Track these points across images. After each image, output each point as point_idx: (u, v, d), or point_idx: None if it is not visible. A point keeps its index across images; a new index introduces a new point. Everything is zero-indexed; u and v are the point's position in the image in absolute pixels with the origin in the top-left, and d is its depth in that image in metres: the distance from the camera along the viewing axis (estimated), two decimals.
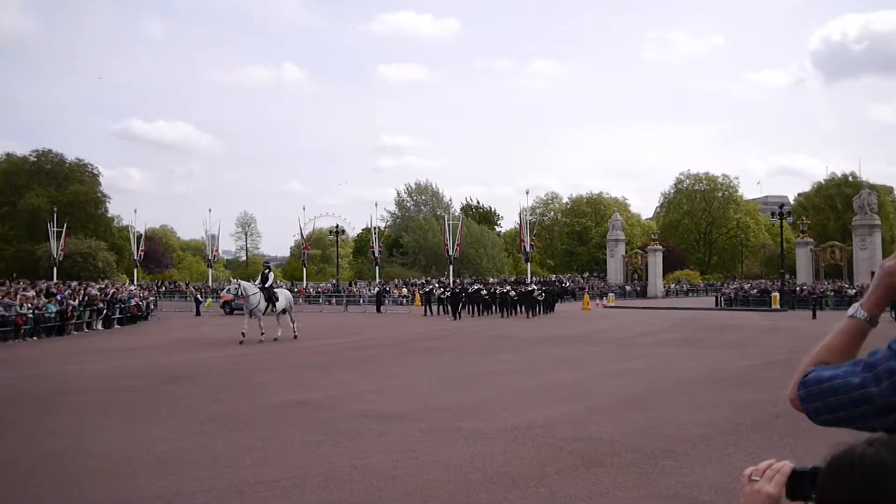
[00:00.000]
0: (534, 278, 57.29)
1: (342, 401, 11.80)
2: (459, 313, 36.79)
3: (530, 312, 37.43)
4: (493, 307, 39.63)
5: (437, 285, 46.24)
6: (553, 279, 67.61)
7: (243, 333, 22.73)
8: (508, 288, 41.29)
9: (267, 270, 25.60)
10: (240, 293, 24.28)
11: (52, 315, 27.43)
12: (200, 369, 16.50)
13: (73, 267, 65.06)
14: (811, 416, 1.75)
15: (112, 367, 17.14)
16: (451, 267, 59.64)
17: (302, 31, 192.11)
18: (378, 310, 43.95)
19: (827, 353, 1.81)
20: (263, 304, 23.90)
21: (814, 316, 34.90)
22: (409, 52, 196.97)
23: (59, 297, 28.95)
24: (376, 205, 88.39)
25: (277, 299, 24.47)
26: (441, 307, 40.04)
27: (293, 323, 24.88)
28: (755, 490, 1.44)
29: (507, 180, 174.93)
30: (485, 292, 40.79)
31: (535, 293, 39.36)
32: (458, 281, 53.09)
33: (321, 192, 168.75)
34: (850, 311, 1.86)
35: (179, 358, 18.94)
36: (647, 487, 6.82)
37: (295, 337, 24.11)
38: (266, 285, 24.49)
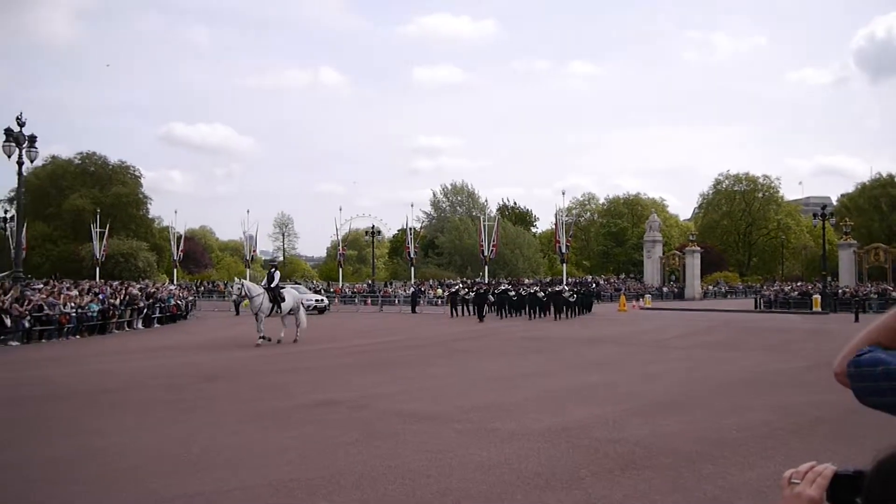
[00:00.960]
0: (568, 279, 56.97)
1: (376, 400, 11.85)
2: (484, 315, 35.74)
3: (559, 315, 36.31)
4: (523, 309, 38.18)
5: (461, 286, 45.32)
6: (589, 280, 67.17)
7: (261, 335, 22.28)
8: (537, 289, 40.19)
9: (273, 270, 24.64)
10: (243, 293, 23.66)
11: (95, 314, 27.99)
12: (237, 368, 16.71)
13: (115, 267, 66.37)
14: (859, 395, 1.73)
15: (152, 365, 17.44)
16: (486, 268, 59.58)
17: (339, 35, 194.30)
18: (413, 310, 44.08)
19: (883, 333, 1.77)
20: (268, 304, 23.01)
21: (856, 319, 34.16)
22: (445, 54, 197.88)
23: (101, 297, 29.52)
24: (412, 205, 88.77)
25: (284, 300, 23.50)
26: (466, 308, 39.15)
27: (297, 326, 23.73)
28: (796, 493, 1.41)
29: (544, 181, 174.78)
30: (513, 293, 39.69)
31: (566, 294, 38.34)
32: (481, 281, 52.12)
33: (357, 193, 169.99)
34: None
35: (217, 357, 19.19)
36: (683, 491, 6.73)
37: (295, 341, 22.98)
38: (272, 285, 23.55)
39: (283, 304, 23.39)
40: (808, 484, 1.40)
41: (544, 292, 38.75)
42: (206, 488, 6.90)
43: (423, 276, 69.33)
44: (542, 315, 36.73)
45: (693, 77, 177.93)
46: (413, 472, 7.43)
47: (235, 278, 24.77)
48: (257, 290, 23.28)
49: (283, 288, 24.76)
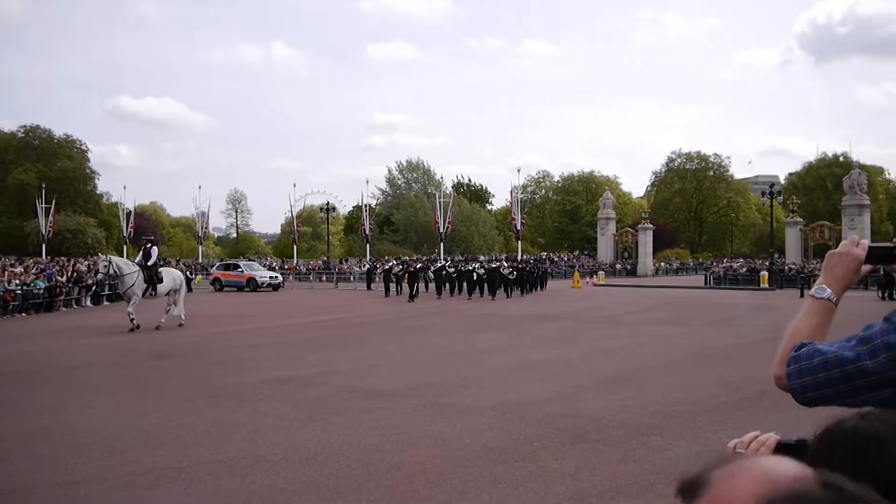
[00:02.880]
0: (524, 256, 57.34)
1: (330, 377, 11.82)
2: (415, 294, 32.84)
3: (495, 293, 33.30)
4: (464, 286, 34.82)
5: (395, 263, 40.70)
6: (543, 257, 67.70)
7: (132, 319, 19.63)
8: (476, 265, 37.04)
9: (149, 245, 21.65)
10: (111, 271, 20.68)
11: (41, 291, 27.29)
12: (189, 346, 16.48)
13: (63, 243, 64.68)
14: (797, 393, 1.72)
15: (100, 343, 17.11)
16: (441, 244, 59.59)
17: (292, 9, 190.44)
18: (368, 287, 43.90)
19: (809, 333, 1.78)
20: (142, 285, 20.32)
21: (801, 295, 35.05)
22: (400, 30, 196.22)
23: (47, 273, 28.77)
24: (367, 182, 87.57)
25: (161, 280, 20.86)
26: (399, 287, 36.03)
27: (178, 308, 21.30)
28: None
29: (499, 159, 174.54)
30: (452, 270, 36.73)
31: (505, 271, 35.42)
32: (414, 258, 48.32)
33: (312, 169, 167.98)
34: (819, 292, 1.84)
35: (168, 334, 18.89)
36: (633, 463, 6.86)
37: (180, 325, 20.72)
38: (148, 263, 20.85)
39: (159, 286, 20.83)
40: (751, 454, 1.42)
41: (484, 269, 35.77)
42: (158, 465, 6.81)
43: (379, 253, 69.13)
44: (482, 293, 33.84)
45: (644, 57, 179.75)
46: (367, 447, 7.43)
47: (101, 255, 22.18)
48: (129, 269, 20.66)
49: (164, 266, 22.70)
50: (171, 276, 21.82)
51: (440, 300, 32.57)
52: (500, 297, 33.08)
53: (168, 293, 21.25)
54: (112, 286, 30.72)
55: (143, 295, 20.45)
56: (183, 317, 21.18)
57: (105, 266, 20.81)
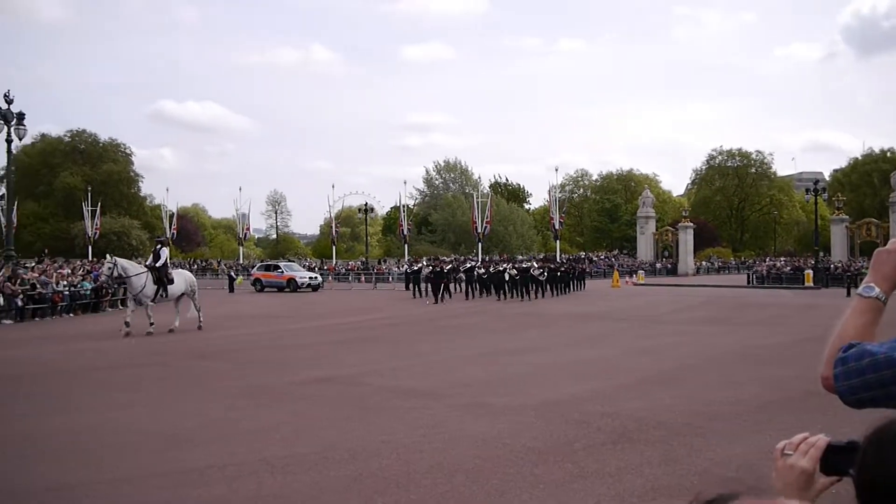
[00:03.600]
0: (552, 256, 57.02)
1: (370, 377, 11.87)
2: (443, 296, 31.56)
3: (526, 295, 32.40)
4: (497, 288, 33.11)
5: (425, 263, 38.92)
6: (583, 256, 67.25)
7: (126, 323, 18.69)
8: (506, 266, 35.39)
9: (159, 246, 20.91)
10: (115, 273, 19.88)
11: (88, 292, 27.91)
12: (231, 346, 16.71)
13: (108, 245, 66.04)
14: (845, 394, 1.67)
15: (145, 343, 17.42)
16: (479, 245, 59.56)
17: (330, 11, 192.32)
18: (407, 287, 44.02)
19: (856, 333, 1.74)
20: (152, 287, 19.53)
21: (848, 294, 34.29)
22: (435, 31, 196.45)
23: (93, 275, 29.42)
24: (405, 183, 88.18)
25: (172, 282, 20.04)
26: (423, 289, 34.07)
27: (198, 311, 20.64)
28: (789, 465, 1.39)
29: (537, 158, 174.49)
30: (482, 271, 35.27)
31: (535, 272, 34.10)
32: (438, 259, 45.47)
33: (350, 170, 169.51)
34: (867, 291, 1.79)
35: (210, 335, 19.17)
36: (674, 464, 6.77)
37: (199, 328, 20.07)
38: (158, 264, 20.01)
39: (170, 288, 20.01)
40: (800, 455, 1.38)
41: (516, 270, 34.30)
42: (200, 463, 6.91)
43: (417, 254, 69.36)
44: (514, 295, 32.61)
45: (683, 54, 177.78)
46: (406, 447, 7.45)
47: (108, 256, 21.23)
48: (135, 270, 19.88)
49: (175, 269, 21.81)
50: (183, 277, 21.10)
51: (469, 302, 31.87)
52: (533, 298, 32.37)
53: (181, 296, 20.54)
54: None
55: (154, 297, 19.72)
56: (201, 319, 20.56)
57: (110, 268, 19.98)
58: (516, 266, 35.56)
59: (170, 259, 21.36)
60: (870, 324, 1.75)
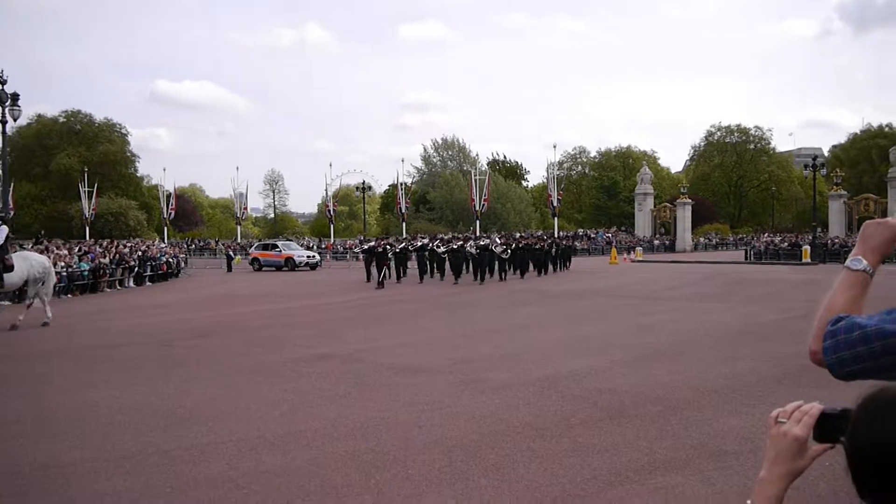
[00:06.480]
0: (558, 232, 57.00)
1: (368, 354, 11.91)
2: (383, 279, 27.81)
3: (481, 276, 29.12)
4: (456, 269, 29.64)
5: (374, 242, 32.76)
6: (581, 233, 67.24)
7: None
8: (462, 245, 31.28)
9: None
10: None
11: (85, 273, 27.90)
12: (230, 324, 16.73)
13: (105, 226, 66.15)
14: (834, 367, 1.67)
15: (143, 322, 17.45)
16: (478, 222, 59.56)
17: None
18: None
19: (845, 306, 1.73)
20: None
21: None
22: (431, 9, 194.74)
23: (90, 256, 29.39)
24: (403, 161, 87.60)
25: (11, 269, 16.16)
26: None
27: (43, 303, 17.20)
28: (782, 432, 1.40)
29: (534, 136, 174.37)
30: (443, 250, 30.89)
31: (498, 250, 30.81)
32: (382, 238, 39.07)
33: (347, 149, 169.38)
34: (855, 264, 1.78)
35: (209, 313, 19.21)
36: (671, 438, 6.82)
37: (45, 324, 16.66)
38: None
39: (8, 277, 16.20)
40: (794, 423, 1.39)
41: (478, 249, 30.43)
42: (200, 440, 6.95)
43: (415, 232, 69.35)
44: (476, 276, 29.39)
45: (677, 30, 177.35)
46: (405, 422, 7.49)
47: None
48: None
49: (21, 252, 18.20)
50: (29, 262, 16.99)
51: (420, 285, 28.60)
52: (489, 279, 29.57)
53: (25, 284, 16.95)
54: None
55: None
56: (49, 315, 16.99)
57: None
58: (478, 244, 31.59)
59: (10, 238, 17.57)
60: (858, 297, 1.75)
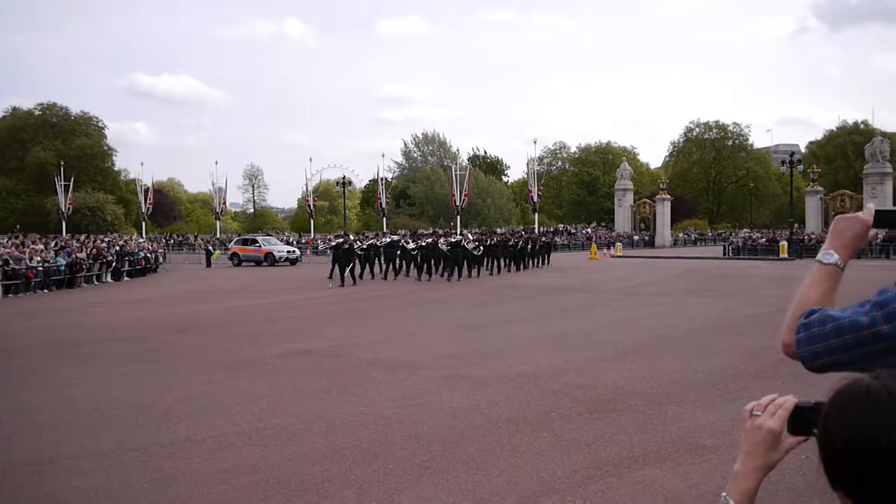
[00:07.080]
0: (540, 228, 57.14)
1: (349, 350, 11.89)
2: (353, 275, 26.71)
3: (451, 273, 27.98)
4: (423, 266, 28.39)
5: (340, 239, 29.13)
6: (561, 229, 67.44)
7: None
8: (431, 241, 29.58)
9: None
10: None
11: (62, 268, 27.58)
12: (209, 320, 16.63)
13: (82, 220, 65.36)
14: (807, 360, 1.68)
15: (121, 318, 17.29)
16: (458, 217, 59.55)
17: None
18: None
19: (818, 300, 1.75)
20: None
21: None
22: (412, 4, 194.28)
23: (67, 251, 29.06)
24: (383, 156, 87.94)
25: None
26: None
27: None
28: (756, 425, 1.40)
29: (514, 131, 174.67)
30: (412, 247, 29.10)
31: (470, 245, 29.66)
32: (345, 234, 33.69)
33: (327, 144, 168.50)
34: (826, 258, 1.80)
35: (188, 309, 19.07)
36: (650, 432, 6.87)
37: None
38: None
39: None
40: (769, 416, 1.40)
41: (449, 245, 28.94)
42: (179, 436, 6.91)
43: (396, 227, 69.18)
44: (443, 273, 28.19)
45: (657, 27, 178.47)
46: (384, 418, 7.49)
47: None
48: None
49: None
50: None
51: (387, 283, 27.61)
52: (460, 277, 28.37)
53: None
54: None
55: None
56: None
57: None
58: (449, 241, 29.88)
59: None
60: (829, 291, 1.77)
